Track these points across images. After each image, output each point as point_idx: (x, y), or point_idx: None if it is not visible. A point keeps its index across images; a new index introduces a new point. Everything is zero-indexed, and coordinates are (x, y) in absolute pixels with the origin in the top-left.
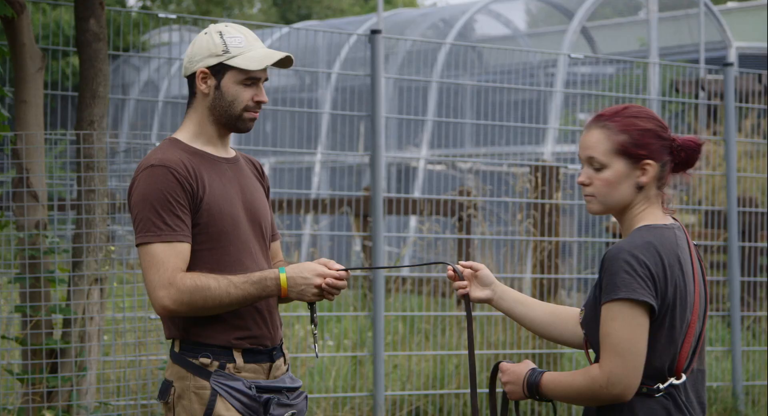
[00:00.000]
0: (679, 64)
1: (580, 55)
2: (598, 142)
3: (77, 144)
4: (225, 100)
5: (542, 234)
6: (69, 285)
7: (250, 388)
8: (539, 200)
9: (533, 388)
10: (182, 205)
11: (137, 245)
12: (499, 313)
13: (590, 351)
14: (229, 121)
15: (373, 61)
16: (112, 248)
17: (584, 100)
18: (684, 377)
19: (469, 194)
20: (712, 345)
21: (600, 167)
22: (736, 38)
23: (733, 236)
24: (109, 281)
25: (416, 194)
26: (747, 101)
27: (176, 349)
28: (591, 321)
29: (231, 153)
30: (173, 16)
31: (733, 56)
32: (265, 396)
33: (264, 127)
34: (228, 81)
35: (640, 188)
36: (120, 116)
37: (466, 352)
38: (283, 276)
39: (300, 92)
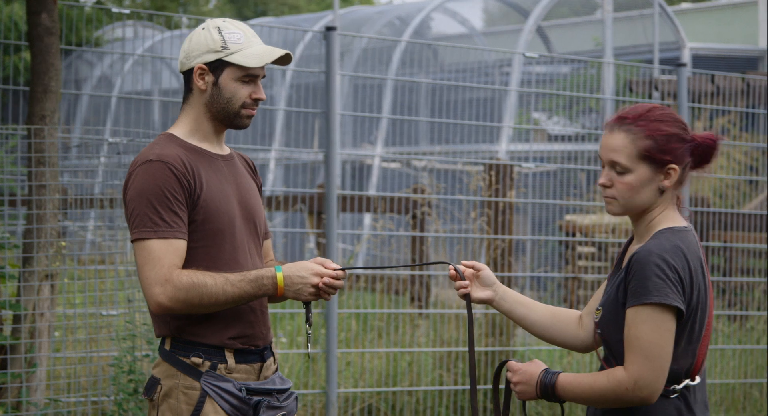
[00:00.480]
0: (633, 64)
1: (535, 54)
2: (623, 146)
3: (28, 139)
4: (223, 96)
5: (496, 232)
6: (19, 281)
7: (240, 390)
8: (493, 199)
9: (548, 389)
10: (179, 201)
11: (133, 241)
12: (453, 311)
13: (600, 349)
14: (227, 118)
15: (328, 58)
16: (63, 244)
17: (539, 99)
18: (698, 379)
19: (423, 191)
20: None
21: (623, 171)
22: (689, 39)
23: None
24: (60, 277)
25: (371, 191)
26: (700, 102)
27: (167, 347)
28: (609, 321)
29: (226, 150)
30: (127, 11)
31: (686, 57)
32: (255, 398)
33: None
34: (226, 78)
35: (662, 191)
36: (73, 112)
37: (419, 349)
38: (279, 275)
39: None
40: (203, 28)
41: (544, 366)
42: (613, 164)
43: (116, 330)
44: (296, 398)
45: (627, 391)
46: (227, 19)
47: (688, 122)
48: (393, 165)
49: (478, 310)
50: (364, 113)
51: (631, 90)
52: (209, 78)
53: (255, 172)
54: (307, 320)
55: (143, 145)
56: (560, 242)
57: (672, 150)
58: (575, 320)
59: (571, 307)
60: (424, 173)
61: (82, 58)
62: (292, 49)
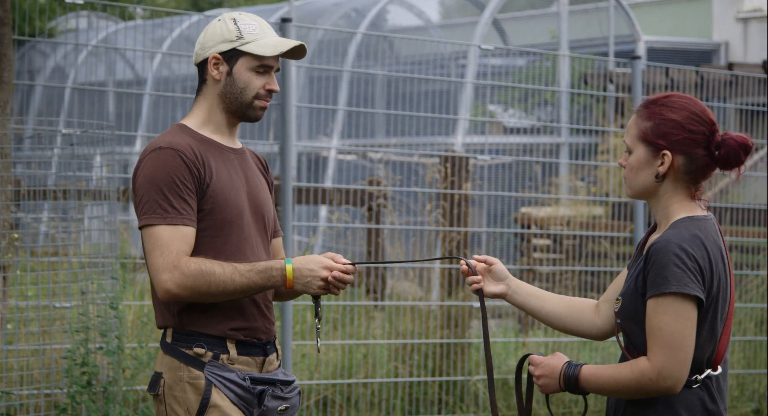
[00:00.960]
0: (588, 57)
1: (491, 46)
2: (630, 127)
3: None
4: (236, 86)
5: (451, 224)
6: None
7: (244, 380)
8: (449, 191)
9: (571, 381)
10: (189, 189)
11: (141, 227)
12: (408, 303)
13: (620, 335)
14: (240, 108)
15: None
16: (16, 235)
17: (495, 91)
18: (720, 369)
19: (379, 184)
20: None
21: (629, 152)
22: (645, 32)
23: (639, 228)
24: (12, 269)
25: (327, 183)
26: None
27: (168, 339)
28: (629, 310)
29: (238, 144)
30: (81, 2)
31: (641, 50)
32: (260, 387)
33: (174, 116)
34: (240, 67)
35: (659, 177)
36: (27, 103)
37: (374, 341)
38: (289, 267)
39: None
40: (219, 20)
41: (567, 359)
42: (625, 145)
43: (69, 322)
44: (300, 393)
45: (651, 382)
46: (243, 12)
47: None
48: (349, 157)
49: (432, 302)
50: (320, 104)
51: (586, 83)
52: (223, 68)
53: (267, 169)
54: (317, 314)
55: (97, 137)
56: (515, 234)
57: (666, 135)
58: (591, 308)
59: None
60: (380, 166)
61: (35, 48)
62: None
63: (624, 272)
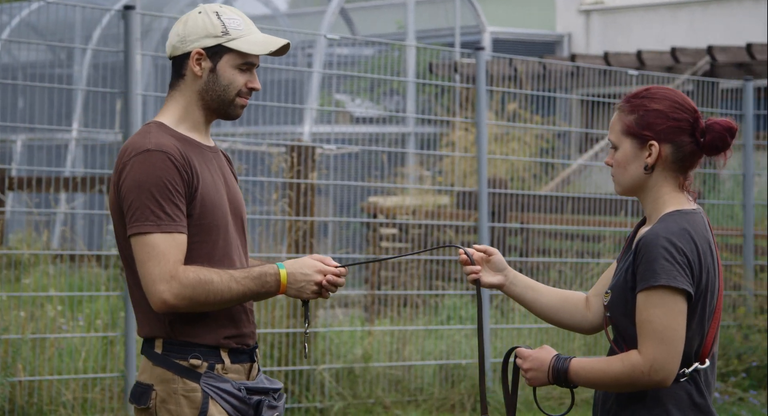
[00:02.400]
0: (434, 47)
1: (337, 36)
2: (614, 123)
3: None
4: (219, 84)
5: (297, 214)
6: None
7: (239, 390)
8: (295, 180)
9: (560, 375)
10: (180, 194)
11: (132, 235)
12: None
13: (609, 329)
14: (221, 106)
15: (127, 37)
16: None
17: (342, 81)
18: (707, 362)
19: None
20: (462, 322)
21: (614, 148)
22: (490, 23)
23: (483, 217)
24: None
25: None
26: (499, 85)
27: (158, 350)
28: (618, 304)
29: (212, 142)
30: None
31: (486, 41)
32: (256, 398)
33: (16, 103)
34: (224, 64)
35: (648, 169)
36: None
37: None
38: (283, 272)
39: (55, 68)
40: (200, 13)
41: (555, 352)
42: (610, 142)
43: None
44: (284, 399)
45: (642, 375)
46: (223, 5)
47: (485, 106)
48: None
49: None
50: (166, 93)
51: (431, 72)
52: (206, 64)
53: (231, 164)
54: (306, 319)
55: None
56: (363, 223)
57: (651, 125)
58: (583, 302)
59: (379, 287)
60: (228, 155)
61: None
62: (92, 28)
63: (613, 266)
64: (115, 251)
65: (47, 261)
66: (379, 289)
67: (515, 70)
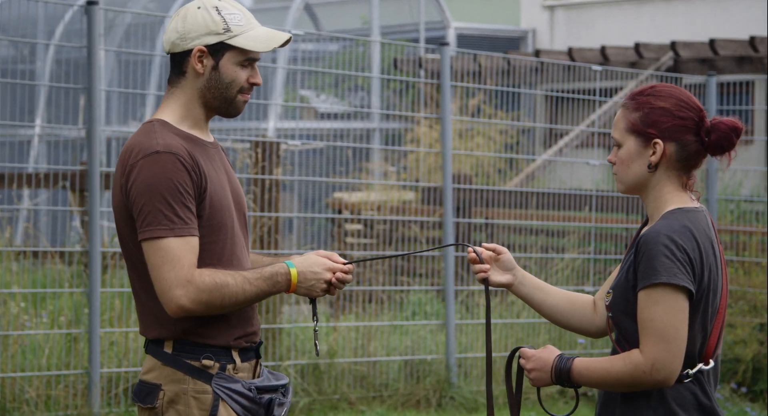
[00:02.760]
0: (399, 43)
1: (301, 31)
2: (618, 121)
3: None
4: (222, 81)
5: (262, 210)
6: None
7: (249, 389)
8: (259, 176)
9: (563, 375)
10: (191, 196)
11: (145, 240)
12: None
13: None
14: (223, 103)
15: (90, 33)
16: None
17: (307, 76)
18: (712, 363)
19: None
20: (427, 318)
21: (618, 146)
22: (455, 19)
23: (448, 213)
24: None
25: None
26: (463, 80)
27: (167, 350)
28: (620, 303)
29: (211, 137)
30: None
31: (451, 36)
32: (267, 396)
33: None
34: (227, 61)
35: (651, 167)
36: None
37: None
38: (293, 271)
39: (18, 64)
40: (199, 8)
41: (558, 352)
42: (614, 140)
43: None
44: (291, 392)
45: (644, 374)
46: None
47: (449, 102)
48: None
49: None
50: (129, 89)
51: (396, 68)
52: (208, 61)
53: (227, 157)
54: (314, 316)
55: None
56: (328, 219)
57: (656, 123)
58: (591, 305)
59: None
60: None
61: None
62: (55, 24)
63: (618, 268)
64: (79, 248)
65: (10, 258)
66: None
67: (480, 65)
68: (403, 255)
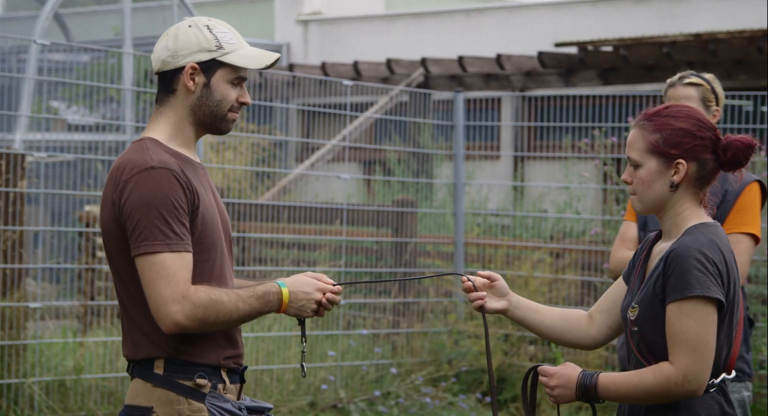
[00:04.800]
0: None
1: (47, 42)
2: (635, 141)
3: None
4: (213, 99)
5: (6, 223)
6: None
7: (240, 409)
8: (3, 189)
9: (589, 390)
10: (185, 212)
11: (141, 255)
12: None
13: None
14: (213, 121)
15: None
16: None
17: (58, 87)
18: (733, 373)
19: None
20: None
21: (636, 166)
22: None
23: None
24: None
25: None
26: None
27: (158, 371)
28: (648, 317)
29: (198, 158)
30: None
31: None
32: None
33: None
34: (219, 79)
35: (673, 186)
36: None
37: None
38: (285, 291)
39: None
40: (190, 26)
41: (580, 369)
42: (630, 160)
43: None
44: None
45: (677, 386)
46: (212, 18)
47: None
48: None
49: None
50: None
51: (151, 81)
52: (200, 79)
53: None
54: (303, 337)
55: None
56: (79, 233)
57: (678, 144)
58: (585, 319)
59: (93, 297)
60: None
61: None
62: None
63: (619, 283)
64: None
65: None
66: (92, 300)
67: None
68: (399, 280)
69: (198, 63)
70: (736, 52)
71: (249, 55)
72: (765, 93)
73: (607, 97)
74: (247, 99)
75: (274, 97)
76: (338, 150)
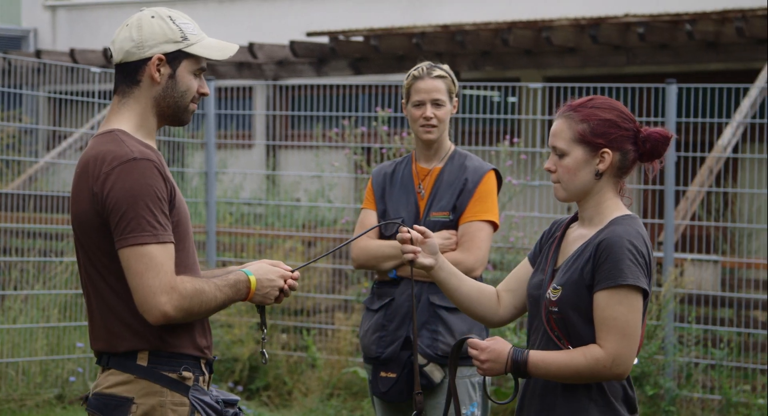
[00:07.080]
0: None
1: None
2: (561, 131)
3: None
4: (178, 90)
5: None
6: None
7: (217, 402)
8: None
9: (519, 366)
10: (166, 202)
11: (127, 246)
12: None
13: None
14: (176, 112)
15: None
16: None
17: None
18: (636, 359)
19: None
20: None
21: (562, 155)
22: None
23: None
24: None
25: None
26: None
27: (142, 362)
28: (570, 301)
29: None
30: None
31: None
32: (232, 410)
33: None
34: (183, 70)
35: (598, 175)
36: None
37: None
38: (252, 279)
39: None
40: (153, 17)
41: (510, 344)
42: (555, 149)
43: None
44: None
45: (605, 368)
46: (172, 9)
47: None
48: None
49: None
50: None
51: None
52: (165, 70)
53: None
54: (264, 323)
55: None
56: None
57: (604, 134)
58: (495, 296)
59: None
60: None
61: None
62: None
63: (524, 264)
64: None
65: None
66: None
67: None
68: (345, 245)
69: (164, 54)
70: (482, 44)
71: (212, 46)
72: (513, 84)
73: (358, 86)
74: (206, 90)
75: (23, 84)
76: (87, 139)
